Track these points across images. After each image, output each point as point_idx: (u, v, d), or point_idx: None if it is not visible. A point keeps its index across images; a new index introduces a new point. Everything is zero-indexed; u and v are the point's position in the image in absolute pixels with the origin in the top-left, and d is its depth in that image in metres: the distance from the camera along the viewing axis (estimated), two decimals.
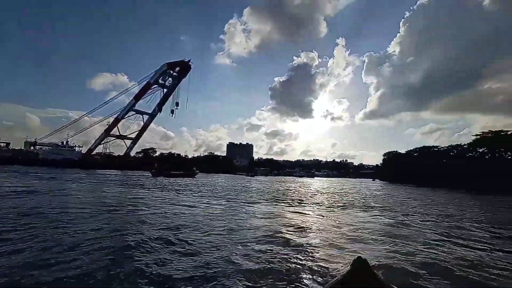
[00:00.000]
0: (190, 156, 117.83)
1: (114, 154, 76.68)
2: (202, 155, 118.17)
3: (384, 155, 73.11)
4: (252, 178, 56.38)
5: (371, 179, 76.15)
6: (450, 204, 15.01)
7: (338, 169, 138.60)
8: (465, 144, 50.77)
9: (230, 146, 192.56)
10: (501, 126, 58.28)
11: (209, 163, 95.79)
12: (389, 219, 8.83)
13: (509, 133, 43.44)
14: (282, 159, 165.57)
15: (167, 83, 64.66)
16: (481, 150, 46.56)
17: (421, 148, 58.62)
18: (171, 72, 63.26)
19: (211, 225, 6.63)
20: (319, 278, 3.50)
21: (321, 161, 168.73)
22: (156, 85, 63.26)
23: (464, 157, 47.65)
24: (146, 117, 68.02)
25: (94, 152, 67.66)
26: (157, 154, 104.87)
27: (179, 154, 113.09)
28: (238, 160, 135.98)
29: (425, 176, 47.70)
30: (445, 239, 6.31)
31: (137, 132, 69.74)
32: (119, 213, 7.86)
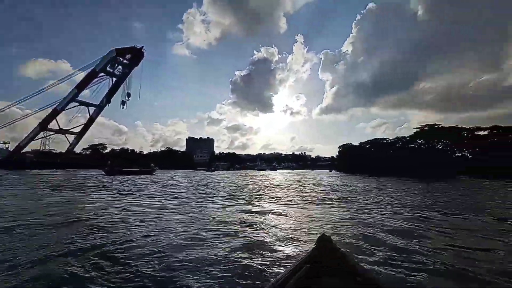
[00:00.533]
0: (146, 152, 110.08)
1: (55, 151, 67.10)
2: (159, 150, 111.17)
3: (340, 147, 78.08)
4: (212, 173, 54.74)
5: (328, 170, 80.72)
6: (398, 190, 16.07)
7: (298, 161, 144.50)
8: (408, 137, 56.99)
9: (190, 140, 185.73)
10: (432, 121, 67.29)
11: (167, 159, 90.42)
12: (349, 208, 8.93)
13: (440, 126, 50.01)
14: (243, 153, 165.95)
15: (116, 72, 58.04)
16: (420, 141, 52.69)
17: (372, 140, 64.07)
18: (121, 59, 56.89)
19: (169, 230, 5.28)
20: (285, 262, 3.57)
21: (281, 154, 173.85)
22: (104, 74, 56.37)
23: (407, 148, 53.44)
24: (92, 109, 60.58)
25: (27, 149, 57.99)
26: (107, 150, 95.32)
27: (133, 150, 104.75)
28: (198, 155, 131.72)
29: (376, 166, 52.18)
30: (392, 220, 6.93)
31: (82, 126, 61.80)
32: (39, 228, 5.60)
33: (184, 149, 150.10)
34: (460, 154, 50.52)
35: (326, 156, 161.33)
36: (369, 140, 65.52)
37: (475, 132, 49.30)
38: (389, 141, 59.62)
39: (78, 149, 75.48)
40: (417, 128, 54.43)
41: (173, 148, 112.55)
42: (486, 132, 49.62)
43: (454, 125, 50.62)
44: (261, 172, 64.25)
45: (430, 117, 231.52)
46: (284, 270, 2.08)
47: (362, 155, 60.19)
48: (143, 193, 12.53)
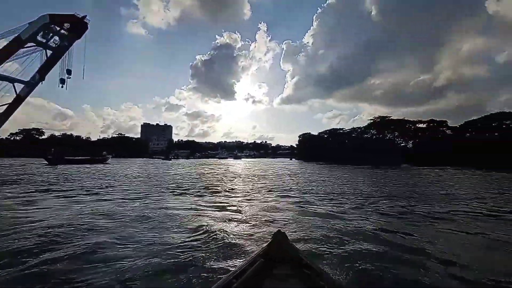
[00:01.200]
0: (94, 139, 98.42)
1: None
2: (109, 136, 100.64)
3: (299, 136, 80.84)
4: (170, 162, 51.38)
5: (289, 159, 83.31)
6: (357, 177, 16.71)
7: (259, 150, 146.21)
8: (362, 127, 61.48)
9: (146, 127, 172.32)
10: (380, 114, 74.19)
11: (120, 146, 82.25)
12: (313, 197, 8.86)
13: (390, 118, 54.95)
14: (204, 141, 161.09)
15: (52, 44, 48.81)
16: (372, 131, 57.26)
17: (330, 130, 67.55)
18: (58, 29, 47.82)
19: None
20: (242, 255, 3.59)
21: (243, 142, 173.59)
22: (34, 44, 46.88)
23: (362, 138, 57.66)
24: (21, 87, 50.41)
25: None
26: (45, 136, 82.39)
27: (78, 136, 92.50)
28: (155, 142, 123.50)
29: (333, 155, 55.26)
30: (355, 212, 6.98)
31: (6, 106, 51.25)
32: None
33: (139, 136, 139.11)
34: (404, 144, 56.61)
35: (286, 145, 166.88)
36: (327, 130, 69.08)
37: (417, 125, 55.54)
38: (346, 131, 63.59)
39: (3, 134, 63.45)
40: (370, 119, 59.03)
41: (125, 135, 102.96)
42: (425, 125, 56.28)
43: (402, 118, 56.05)
44: (223, 161, 62.74)
45: (378, 111, 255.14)
46: (240, 264, 2.04)
47: (321, 144, 63.16)
48: (112, 184, 10.31)
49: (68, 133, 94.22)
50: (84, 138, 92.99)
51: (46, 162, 29.75)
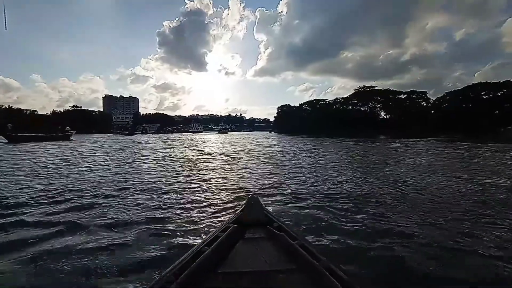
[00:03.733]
0: (48, 113, 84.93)
1: None
2: (63, 110, 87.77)
3: (278, 108, 77.40)
4: (131, 137, 45.71)
5: (268, 131, 79.59)
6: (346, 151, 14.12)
7: (234, 123, 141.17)
8: (341, 98, 59.66)
9: (108, 99, 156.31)
10: (350, 87, 73.80)
11: (76, 121, 71.28)
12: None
13: (375, 88, 53.57)
14: (174, 115, 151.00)
15: None
16: (355, 101, 55.76)
17: (312, 101, 64.88)
18: None
19: None
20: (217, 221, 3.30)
21: (216, 115, 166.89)
22: None
23: (343, 109, 55.99)
24: None
25: None
26: None
27: (22, 110, 78.41)
28: (119, 116, 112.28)
29: (314, 127, 53.30)
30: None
31: None
32: None
33: (101, 109, 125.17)
34: (384, 116, 56.39)
35: (260, 117, 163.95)
36: (307, 101, 66.40)
37: (397, 96, 55.03)
38: (328, 102, 61.38)
39: None
40: (355, 89, 57.04)
41: (82, 108, 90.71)
42: (404, 96, 56.11)
43: (386, 88, 54.89)
44: (198, 135, 57.59)
45: (349, 84, 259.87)
46: (213, 230, 1.92)
47: (302, 116, 60.61)
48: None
49: (15, 107, 79.60)
50: (30, 112, 79.23)
51: (5, 140, 24.69)
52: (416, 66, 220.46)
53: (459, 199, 4.37)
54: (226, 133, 76.87)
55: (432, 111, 52.49)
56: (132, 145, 21.09)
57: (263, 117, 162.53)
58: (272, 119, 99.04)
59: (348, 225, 3.18)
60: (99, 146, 19.54)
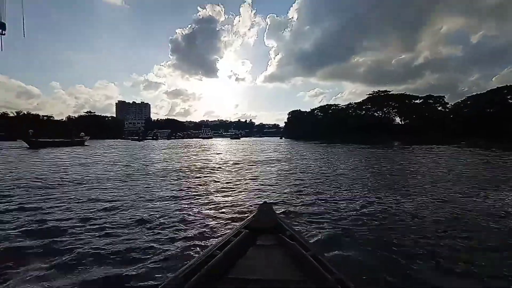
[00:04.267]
0: (63, 119, 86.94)
1: None
2: (77, 116, 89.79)
3: (289, 114, 76.33)
4: (140, 142, 46.34)
5: (279, 137, 77.99)
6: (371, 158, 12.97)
7: (244, 128, 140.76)
8: (355, 103, 58.12)
9: (121, 105, 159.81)
10: (360, 92, 72.05)
11: (90, 127, 72.50)
12: None
13: (390, 93, 51.88)
14: (185, 120, 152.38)
15: None
16: (369, 106, 54.07)
17: (323, 106, 63.56)
18: None
19: None
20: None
21: (226, 121, 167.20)
22: None
23: (357, 115, 54.34)
24: None
25: None
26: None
27: (50, 117, 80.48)
28: (130, 122, 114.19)
29: (329, 133, 51.89)
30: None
31: None
32: None
33: (114, 115, 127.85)
34: (398, 121, 54.34)
35: (269, 123, 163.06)
36: (319, 107, 65.11)
37: (413, 101, 53.01)
38: (341, 107, 59.84)
39: None
40: (368, 94, 55.51)
41: (95, 113, 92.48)
42: (420, 101, 53.98)
43: (402, 93, 52.99)
44: (208, 141, 57.20)
45: (359, 89, 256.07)
46: (225, 235, 1.89)
47: (314, 122, 59.32)
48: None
49: (34, 113, 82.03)
50: (48, 118, 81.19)
51: (26, 146, 25.82)
52: (429, 70, 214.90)
53: None
54: (239, 138, 75.79)
55: (451, 116, 50.18)
56: (143, 151, 20.71)
57: (272, 123, 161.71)
58: (281, 124, 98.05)
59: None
60: (110, 153, 19.24)
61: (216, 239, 2.70)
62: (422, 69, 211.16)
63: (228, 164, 11.72)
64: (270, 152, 19.85)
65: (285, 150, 23.07)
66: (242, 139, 75.62)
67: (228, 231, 2.58)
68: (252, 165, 11.27)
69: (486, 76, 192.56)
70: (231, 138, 76.20)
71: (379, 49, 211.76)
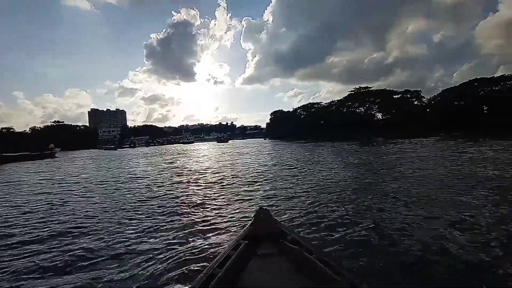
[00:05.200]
0: (26, 130, 79.35)
1: None
2: (42, 126, 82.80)
3: (271, 114, 75.35)
4: (115, 151, 43.41)
5: (262, 138, 76.11)
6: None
7: (225, 131, 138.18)
8: (335, 101, 58.27)
9: (94, 113, 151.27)
10: (337, 91, 73.49)
11: (59, 137, 66.43)
12: None
13: (372, 89, 52.48)
14: (164, 126, 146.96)
15: None
16: (349, 104, 54.31)
17: (306, 105, 63.18)
18: None
19: None
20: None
21: (206, 124, 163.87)
22: None
23: (338, 112, 54.35)
24: None
25: None
26: None
27: (8, 129, 72.80)
28: (106, 130, 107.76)
29: (310, 132, 51.34)
30: None
31: None
32: None
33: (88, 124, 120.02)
34: (379, 117, 55.08)
35: (250, 124, 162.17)
36: (302, 106, 64.71)
37: (393, 96, 53.95)
38: (323, 105, 59.68)
39: None
40: (350, 91, 55.83)
41: (71, 124, 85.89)
42: (398, 96, 55.13)
43: (382, 89, 53.70)
44: (189, 146, 54.56)
45: (336, 88, 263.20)
46: (223, 249, 1.84)
47: (297, 122, 58.65)
48: None
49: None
50: (13, 130, 73.41)
51: None
52: (399, 68, 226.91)
53: None
54: (227, 141, 68.74)
55: (428, 110, 51.62)
56: (117, 162, 18.24)
57: (252, 124, 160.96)
58: (263, 125, 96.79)
59: None
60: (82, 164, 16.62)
61: (215, 255, 2.51)
62: (393, 67, 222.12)
63: (240, 179, 9.74)
64: (265, 154, 18.25)
65: (279, 153, 21.58)
66: (232, 141, 71.91)
67: (226, 244, 2.44)
68: (268, 181, 9.55)
69: (449, 73, 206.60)
70: (218, 142, 70.39)
71: (353, 49, 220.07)
